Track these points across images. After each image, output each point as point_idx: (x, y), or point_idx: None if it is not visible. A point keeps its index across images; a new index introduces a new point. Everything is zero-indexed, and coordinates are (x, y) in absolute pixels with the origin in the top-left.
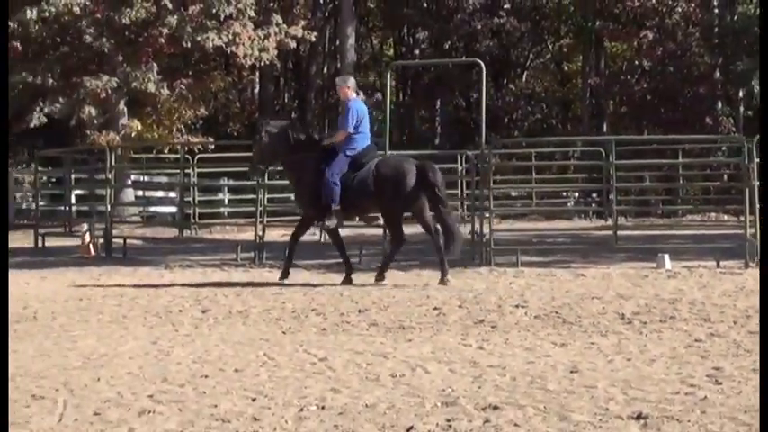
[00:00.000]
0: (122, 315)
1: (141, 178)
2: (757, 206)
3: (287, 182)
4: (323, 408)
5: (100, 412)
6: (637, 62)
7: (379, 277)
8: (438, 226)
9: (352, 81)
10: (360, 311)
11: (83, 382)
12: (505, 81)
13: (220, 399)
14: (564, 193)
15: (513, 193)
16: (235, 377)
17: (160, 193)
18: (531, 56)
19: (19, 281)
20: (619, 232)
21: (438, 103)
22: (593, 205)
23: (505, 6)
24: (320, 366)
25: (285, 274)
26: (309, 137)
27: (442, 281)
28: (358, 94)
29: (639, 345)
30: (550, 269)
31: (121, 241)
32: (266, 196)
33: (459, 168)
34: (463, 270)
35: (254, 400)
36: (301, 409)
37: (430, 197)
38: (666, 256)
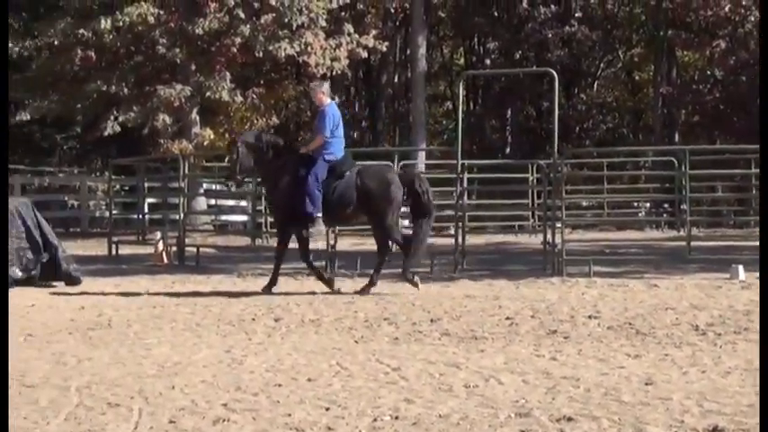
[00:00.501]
0: (196, 323)
1: (213, 187)
2: None
3: None
4: (396, 418)
5: (175, 420)
6: (709, 71)
7: (368, 288)
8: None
9: (326, 86)
10: (432, 321)
11: (157, 390)
12: (576, 90)
13: (294, 408)
14: (635, 203)
15: (584, 203)
16: (308, 386)
17: (231, 202)
18: (602, 65)
19: (93, 288)
20: (692, 243)
21: (509, 112)
22: (665, 215)
23: (577, 15)
24: (393, 376)
25: (272, 284)
26: (284, 144)
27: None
28: (333, 99)
29: (714, 356)
30: (623, 279)
31: (194, 249)
32: None
33: (531, 178)
34: (535, 280)
35: (327, 409)
36: (375, 420)
37: (416, 205)
38: (740, 267)
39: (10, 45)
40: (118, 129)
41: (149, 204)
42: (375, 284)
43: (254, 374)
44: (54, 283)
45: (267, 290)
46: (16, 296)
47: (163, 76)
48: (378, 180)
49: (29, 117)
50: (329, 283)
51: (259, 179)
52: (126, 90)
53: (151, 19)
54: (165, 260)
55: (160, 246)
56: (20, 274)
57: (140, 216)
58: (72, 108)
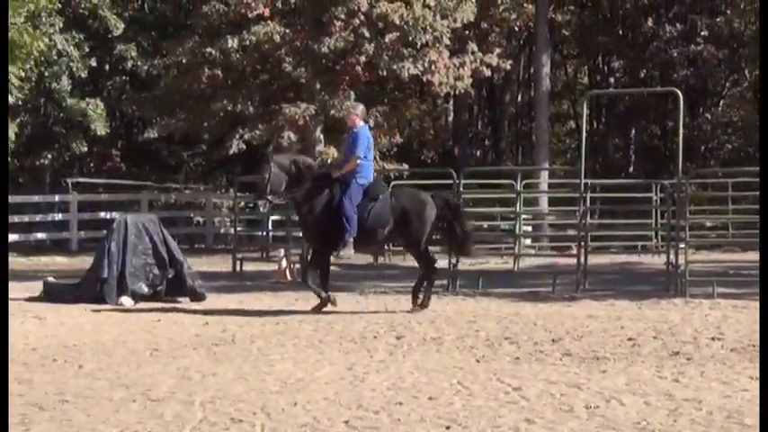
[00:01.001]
0: (318, 340)
1: None
2: None
3: (484, 209)
4: None
5: None
6: None
7: (416, 302)
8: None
9: (361, 108)
10: (553, 341)
11: (280, 406)
12: (701, 110)
13: (415, 426)
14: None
15: (708, 224)
16: (429, 405)
17: None
18: (728, 84)
19: (217, 304)
20: None
21: (632, 131)
22: None
23: (703, 34)
24: (514, 396)
25: (326, 303)
26: (317, 168)
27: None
28: (366, 122)
29: None
30: (747, 301)
31: None
32: None
33: (654, 198)
34: (658, 301)
35: (448, 428)
36: None
37: (451, 226)
38: None
39: (140, 64)
40: (243, 147)
41: (273, 221)
42: (426, 305)
43: (375, 392)
44: (179, 299)
45: (317, 309)
46: (142, 311)
47: (288, 95)
48: (413, 200)
49: (156, 135)
50: (328, 301)
51: (289, 200)
52: (251, 108)
53: (277, 38)
54: (289, 277)
55: (284, 263)
56: (146, 289)
57: (264, 233)
58: (198, 126)
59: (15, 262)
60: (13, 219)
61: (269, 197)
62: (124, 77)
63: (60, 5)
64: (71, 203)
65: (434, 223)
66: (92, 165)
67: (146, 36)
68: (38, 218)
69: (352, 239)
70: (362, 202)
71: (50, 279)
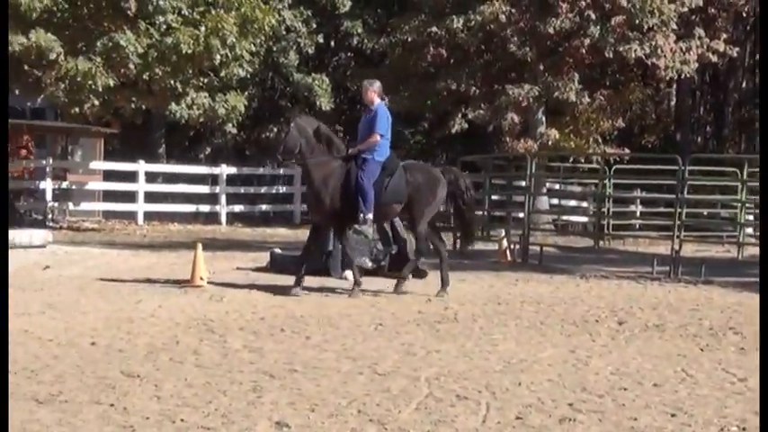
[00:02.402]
0: (540, 321)
1: (555, 186)
2: None
3: (701, 196)
4: (744, 429)
5: (522, 417)
6: None
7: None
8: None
9: (378, 85)
10: None
11: (504, 385)
12: None
13: (640, 412)
14: None
15: None
16: (653, 392)
17: (573, 203)
18: None
19: (439, 282)
20: None
21: None
22: None
23: None
24: (740, 386)
25: (298, 283)
26: (337, 141)
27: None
28: (383, 99)
29: None
30: None
31: (537, 248)
32: (684, 210)
33: None
34: None
35: (673, 416)
36: (722, 429)
37: (460, 203)
38: None
39: (365, 41)
40: (465, 126)
41: (492, 201)
42: (446, 284)
43: (598, 376)
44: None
45: (293, 289)
46: (364, 285)
47: (510, 75)
48: (427, 175)
49: None
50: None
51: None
52: (474, 88)
53: (503, 18)
54: (509, 257)
55: (504, 243)
56: (369, 264)
57: (484, 213)
58: (422, 104)
59: (241, 232)
60: (239, 190)
61: (280, 156)
62: (349, 54)
63: None
64: (295, 176)
65: (443, 199)
66: None
67: (372, 13)
68: (263, 190)
69: (371, 216)
70: (379, 178)
71: (277, 250)
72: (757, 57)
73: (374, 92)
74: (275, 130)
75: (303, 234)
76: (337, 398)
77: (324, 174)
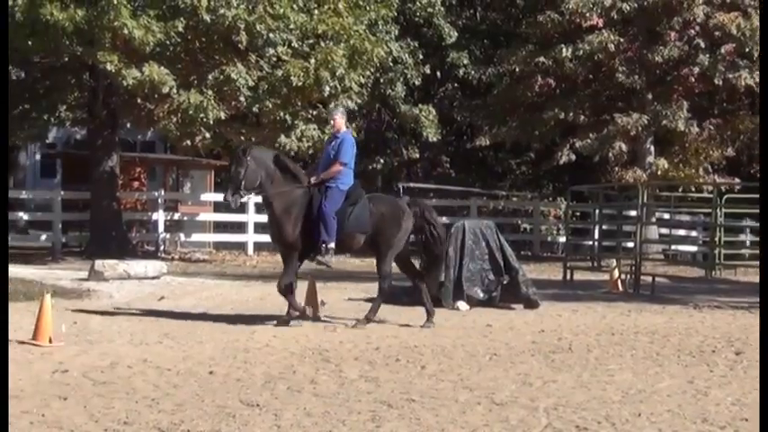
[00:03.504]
0: (655, 352)
1: (665, 216)
2: None
3: None
4: None
5: None
6: None
7: (368, 319)
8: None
9: (342, 111)
10: None
11: (623, 416)
12: None
13: None
14: None
15: None
16: None
17: (682, 232)
18: None
19: (551, 312)
20: None
21: None
22: None
23: None
24: None
25: (290, 318)
26: (296, 169)
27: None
28: (347, 128)
29: None
30: None
31: (648, 278)
32: None
33: None
34: None
35: None
36: None
37: (428, 236)
38: None
39: (472, 72)
40: (573, 157)
41: (601, 231)
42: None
43: (719, 407)
44: (512, 306)
45: (284, 322)
46: (477, 316)
47: (618, 104)
48: (391, 206)
49: (487, 142)
50: (302, 313)
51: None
52: (582, 117)
53: (611, 47)
54: (620, 287)
55: (615, 273)
56: (481, 294)
57: (593, 242)
58: (529, 134)
59: (349, 263)
60: None
61: (242, 192)
62: (456, 85)
63: (396, 14)
64: None
65: (409, 230)
66: (419, 170)
67: (478, 44)
68: None
69: (333, 246)
70: (342, 207)
71: None
72: None
73: (342, 119)
74: (382, 161)
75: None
76: (456, 428)
77: (286, 203)
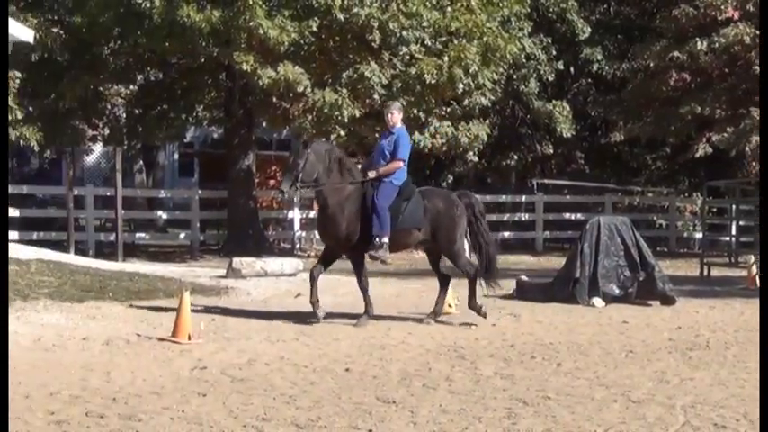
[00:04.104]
0: None
1: None
2: None
3: None
4: None
5: None
6: None
7: (474, 307)
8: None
9: (400, 106)
10: None
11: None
12: None
13: None
14: None
15: None
16: None
17: None
18: None
19: (688, 309)
20: None
21: None
22: None
23: None
24: None
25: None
26: (351, 165)
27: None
28: (402, 123)
29: None
30: None
31: None
32: None
33: None
34: None
35: None
36: None
37: (476, 228)
38: None
39: (605, 67)
40: (709, 150)
41: (739, 227)
42: (481, 311)
43: None
44: (649, 302)
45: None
46: (613, 312)
47: (755, 98)
48: (445, 200)
49: (621, 138)
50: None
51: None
52: (719, 111)
53: (747, 39)
54: (758, 284)
55: (753, 269)
56: (617, 291)
57: (731, 238)
58: (665, 129)
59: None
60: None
61: (299, 185)
62: (589, 80)
63: (529, 10)
64: (537, 204)
65: (465, 224)
66: (553, 166)
67: (612, 39)
68: (505, 217)
69: (387, 240)
70: (396, 202)
71: (523, 278)
72: None
73: (398, 114)
74: (516, 157)
75: (547, 261)
76: (592, 425)
77: (340, 198)
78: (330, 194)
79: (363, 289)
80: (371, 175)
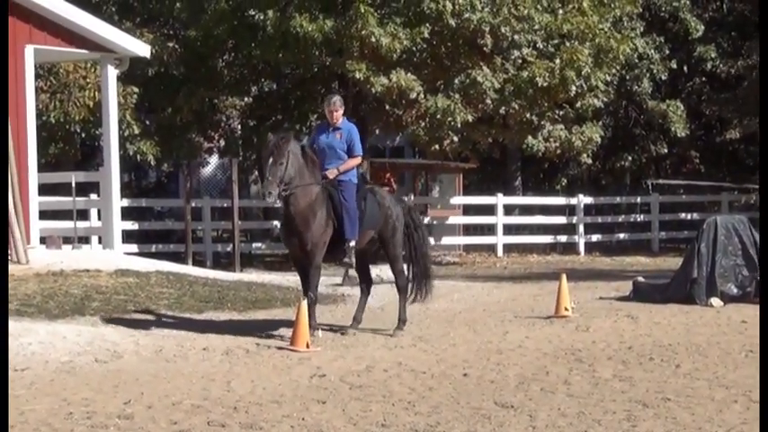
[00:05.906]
0: None
1: None
2: None
3: None
4: None
5: None
6: None
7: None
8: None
9: (341, 98)
10: None
11: None
12: None
13: None
14: None
15: None
16: None
17: None
18: None
19: None
20: None
21: None
22: None
23: None
24: None
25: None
26: (316, 163)
27: (399, 327)
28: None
29: None
30: None
31: None
32: None
33: None
34: None
35: None
36: None
37: (413, 236)
38: None
39: (720, 65)
40: None
41: None
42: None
43: None
44: None
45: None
46: (731, 312)
47: None
48: (393, 200)
49: (737, 136)
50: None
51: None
52: None
53: None
54: None
55: None
56: (735, 290)
57: None
58: None
59: (599, 261)
60: (596, 219)
61: (283, 187)
62: (703, 79)
63: (641, 9)
64: (652, 204)
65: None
66: (668, 166)
67: (725, 37)
68: (620, 218)
69: (353, 244)
70: (357, 202)
71: (640, 279)
72: None
73: (342, 109)
74: (630, 158)
75: (663, 262)
76: (713, 426)
77: (310, 200)
78: (301, 196)
79: (314, 302)
80: (331, 174)
